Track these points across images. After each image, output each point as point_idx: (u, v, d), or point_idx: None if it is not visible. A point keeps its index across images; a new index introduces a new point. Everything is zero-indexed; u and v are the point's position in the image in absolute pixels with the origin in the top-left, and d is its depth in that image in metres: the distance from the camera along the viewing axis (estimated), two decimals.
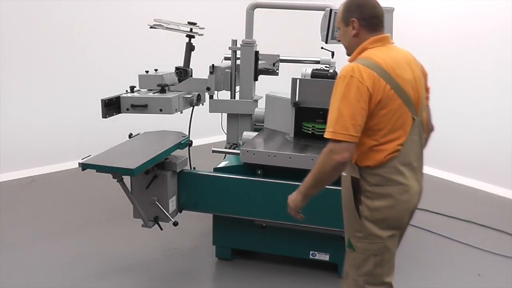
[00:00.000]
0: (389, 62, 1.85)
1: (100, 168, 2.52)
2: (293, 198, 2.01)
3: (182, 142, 2.98)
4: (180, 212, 3.08)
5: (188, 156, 3.12)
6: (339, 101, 1.78)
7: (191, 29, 3.37)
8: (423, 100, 1.99)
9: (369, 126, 1.84)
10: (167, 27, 3.38)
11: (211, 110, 3.52)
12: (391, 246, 2.00)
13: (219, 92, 3.59)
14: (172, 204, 2.94)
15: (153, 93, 3.15)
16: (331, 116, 1.80)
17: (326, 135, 1.80)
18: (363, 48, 1.93)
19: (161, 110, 3.03)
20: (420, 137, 1.96)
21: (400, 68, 1.88)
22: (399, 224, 1.97)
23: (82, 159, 2.58)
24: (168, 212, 2.87)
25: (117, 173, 2.53)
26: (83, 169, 2.55)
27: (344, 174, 2.02)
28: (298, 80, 3.11)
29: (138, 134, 3.18)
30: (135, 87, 3.19)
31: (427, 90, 2.10)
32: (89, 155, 2.64)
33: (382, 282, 2.04)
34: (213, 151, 3.15)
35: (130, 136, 3.13)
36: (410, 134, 1.89)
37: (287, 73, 3.69)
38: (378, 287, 2.04)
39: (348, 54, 2.04)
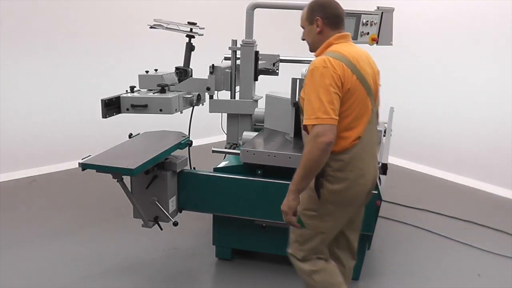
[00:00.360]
0: (354, 55, 2.04)
1: (100, 168, 2.52)
2: (285, 202, 2.06)
3: (182, 142, 2.97)
4: (180, 212, 3.08)
5: (188, 156, 3.12)
6: (317, 91, 1.92)
7: (191, 29, 3.37)
8: (379, 93, 2.23)
9: (339, 113, 1.99)
10: (167, 27, 3.38)
11: (211, 110, 3.52)
12: (340, 225, 2.23)
13: (219, 92, 3.59)
14: (172, 204, 2.94)
15: (153, 93, 3.15)
16: (313, 105, 1.93)
17: (310, 122, 1.93)
18: (329, 44, 2.11)
19: (161, 110, 3.03)
20: (376, 126, 2.20)
21: (363, 61, 2.07)
22: (353, 204, 2.19)
23: (82, 159, 2.58)
24: (168, 212, 2.87)
25: (117, 173, 2.53)
26: (83, 169, 2.55)
27: None
28: (298, 80, 3.11)
29: (138, 134, 3.18)
30: (135, 87, 3.19)
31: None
32: (89, 155, 2.64)
33: (319, 257, 2.25)
34: (213, 151, 3.15)
35: (130, 136, 3.13)
36: (369, 123, 2.10)
37: (287, 73, 3.69)
38: (315, 261, 2.24)
39: (312, 50, 2.22)
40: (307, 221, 2.14)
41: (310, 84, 1.96)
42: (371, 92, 2.08)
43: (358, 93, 2.01)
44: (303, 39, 2.25)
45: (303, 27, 2.22)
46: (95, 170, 2.53)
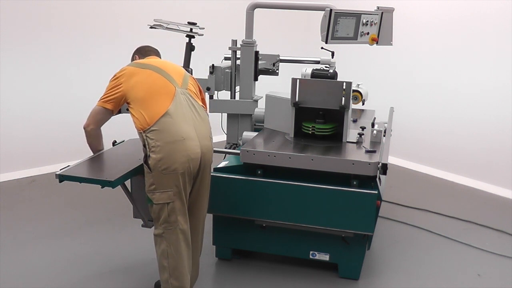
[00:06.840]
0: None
1: (78, 180, 2.44)
2: None
3: None
4: None
5: None
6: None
7: (191, 29, 3.37)
8: (183, 78, 2.67)
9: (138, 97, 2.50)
10: (167, 27, 3.38)
11: (211, 110, 3.52)
12: (179, 195, 2.47)
13: (219, 92, 3.59)
14: None
15: None
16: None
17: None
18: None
19: None
20: (186, 102, 2.56)
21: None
22: (179, 170, 2.42)
23: (60, 169, 2.50)
24: None
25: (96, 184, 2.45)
26: (60, 181, 2.47)
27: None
28: (298, 80, 3.11)
29: (123, 141, 3.12)
30: None
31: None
32: (68, 166, 2.56)
33: (178, 228, 2.50)
34: (213, 151, 3.15)
35: (114, 143, 3.04)
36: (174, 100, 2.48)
37: (287, 73, 3.69)
38: (174, 233, 2.50)
39: None
40: (151, 196, 2.46)
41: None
42: (172, 78, 2.55)
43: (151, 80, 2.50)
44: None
45: None
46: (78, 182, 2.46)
